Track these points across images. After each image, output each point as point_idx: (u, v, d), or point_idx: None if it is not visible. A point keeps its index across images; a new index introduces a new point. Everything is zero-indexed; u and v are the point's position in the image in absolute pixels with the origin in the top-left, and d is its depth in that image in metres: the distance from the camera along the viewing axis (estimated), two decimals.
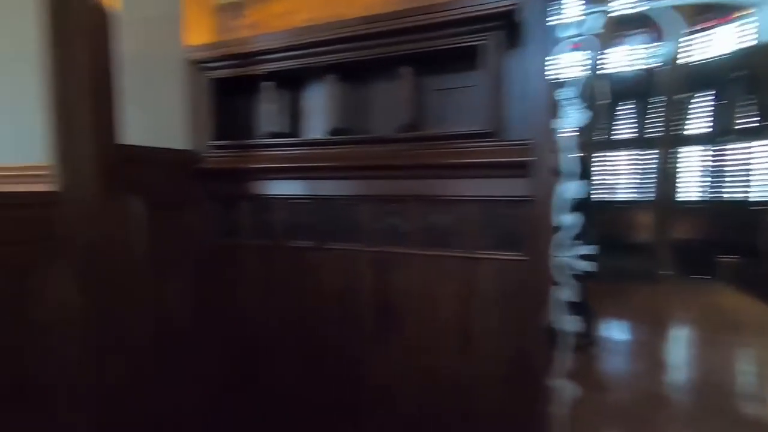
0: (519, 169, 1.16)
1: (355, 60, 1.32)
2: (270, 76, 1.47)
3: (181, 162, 1.52)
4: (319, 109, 1.48)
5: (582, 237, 1.14)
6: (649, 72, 6.30)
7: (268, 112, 1.49)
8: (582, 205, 1.14)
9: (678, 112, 6.25)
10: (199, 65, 1.55)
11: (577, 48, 1.20)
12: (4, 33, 1.94)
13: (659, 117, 6.37)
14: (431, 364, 1.30)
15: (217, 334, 1.59)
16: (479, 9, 1.14)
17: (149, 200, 1.36)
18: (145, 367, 1.38)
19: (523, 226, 1.18)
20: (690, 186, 6.34)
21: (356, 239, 1.37)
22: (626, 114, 6.82)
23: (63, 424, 1.19)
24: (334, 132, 1.40)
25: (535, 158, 1.13)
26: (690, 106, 6.28)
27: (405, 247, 1.31)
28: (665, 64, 6.09)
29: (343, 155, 1.38)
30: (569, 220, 1.13)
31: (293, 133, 1.51)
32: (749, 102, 5.64)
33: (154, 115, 1.63)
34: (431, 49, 1.22)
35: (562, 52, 1.14)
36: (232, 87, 1.55)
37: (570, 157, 1.14)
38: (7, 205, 1.09)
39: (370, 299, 1.36)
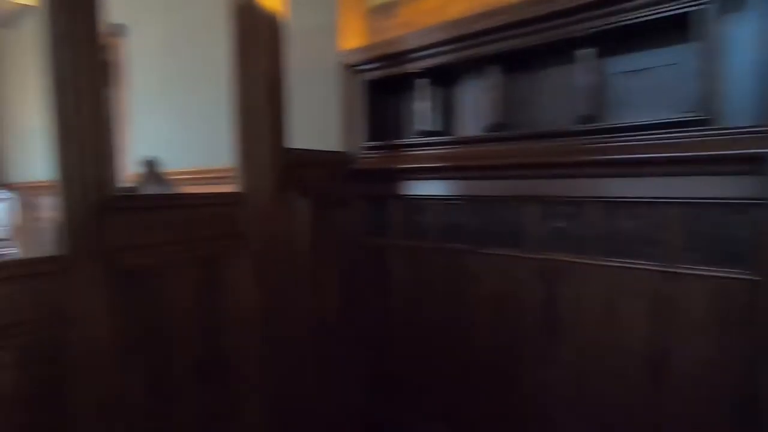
0: (744, 164, 0.92)
1: (523, 47, 1.20)
2: (424, 73, 1.43)
3: (337, 163, 1.58)
4: (474, 105, 1.40)
5: None
6: None
7: (421, 110, 1.45)
8: None
9: None
10: (353, 68, 1.59)
11: None
12: (197, 54, 2.27)
13: None
14: (608, 393, 1.12)
15: (363, 332, 1.62)
16: None
17: (311, 200, 1.44)
18: (306, 357, 1.46)
19: (749, 237, 0.93)
20: None
21: (518, 244, 1.25)
22: None
23: (242, 400, 1.31)
24: (494, 128, 1.30)
25: None
26: None
27: (577, 255, 1.15)
28: None
29: (504, 152, 1.27)
30: None
31: (446, 131, 1.45)
32: None
33: (311, 118, 1.73)
34: (624, 23, 1.04)
35: None
36: (384, 88, 1.56)
37: None
38: (203, 204, 1.24)
39: (533, 311, 1.23)
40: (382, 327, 1.59)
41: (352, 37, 1.62)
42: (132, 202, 1.06)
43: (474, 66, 1.35)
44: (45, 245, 3.89)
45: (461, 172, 1.36)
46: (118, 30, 3.12)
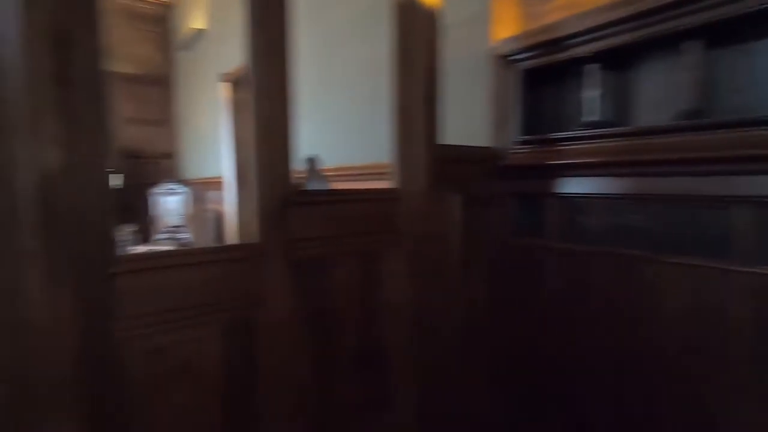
0: None
1: (736, 15, 0.99)
2: (592, 58, 1.28)
3: (487, 159, 1.52)
4: (656, 91, 1.21)
5: None
6: None
7: (589, 99, 1.31)
8: None
9: None
10: (506, 59, 1.50)
11: None
12: (351, 54, 2.41)
13: None
14: None
15: (510, 337, 1.53)
16: None
17: (461, 197, 1.41)
18: (451, 355, 1.44)
19: None
20: None
21: (721, 254, 1.04)
22: None
23: (392, 390, 1.35)
24: (688, 115, 1.10)
25: None
26: None
27: None
28: None
29: (701, 143, 1.07)
30: None
31: (619, 121, 1.28)
32: None
33: (456, 113, 1.69)
34: None
35: None
36: (541, 77, 1.45)
37: None
38: (363, 200, 1.29)
39: (741, 336, 1.02)
40: (530, 334, 1.48)
41: (506, 26, 1.54)
42: (309, 197, 1.15)
43: (661, 44, 1.16)
44: (210, 232, 4.59)
45: (639, 167, 1.18)
46: None
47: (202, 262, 1.00)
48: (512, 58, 1.48)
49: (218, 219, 4.41)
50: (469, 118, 1.67)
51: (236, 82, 4.35)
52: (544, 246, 1.42)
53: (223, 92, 4.26)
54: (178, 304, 0.97)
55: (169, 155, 5.55)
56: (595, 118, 1.29)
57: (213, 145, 4.63)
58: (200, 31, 4.81)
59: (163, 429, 0.96)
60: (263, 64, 1.05)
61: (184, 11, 5.36)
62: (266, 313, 1.09)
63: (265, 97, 1.06)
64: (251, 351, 1.08)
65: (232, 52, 4.19)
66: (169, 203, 4.96)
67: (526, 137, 1.46)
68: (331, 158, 2.25)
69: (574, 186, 1.34)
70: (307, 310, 1.16)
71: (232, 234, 4.25)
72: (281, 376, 1.12)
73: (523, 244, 1.49)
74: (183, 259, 0.99)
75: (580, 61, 1.31)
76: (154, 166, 5.40)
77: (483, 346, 1.54)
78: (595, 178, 1.29)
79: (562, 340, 1.39)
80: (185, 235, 5.03)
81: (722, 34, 1.06)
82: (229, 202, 4.20)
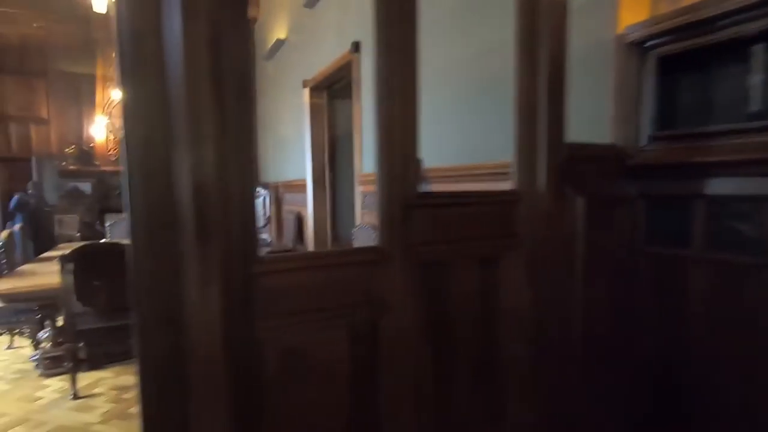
0: None
1: None
2: (754, 39, 1.11)
3: (612, 157, 1.38)
4: None
5: None
6: None
7: (752, 86, 1.14)
8: None
9: None
10: (637, 45, 1.35)
11: None
12: (453, 51, 2.35)
13: None
14: None
15: (639, 351, 1.38)
16: None
17: (585, 200, 1.29)
18: (572, 370, 1.32)
19: None
20: None
21: None
22: None
23: (511, 401, 1.26)
24: None
25: None
26: None
27: None
28: None
29: None
30: None
31: None
32: None
33: (573, 107, 1.57)
34: None
35: None
36: (678, 65, 1.29)
37: None
38: (482, 202, 1.22)
39: None
40: (664, 353, 1.32)
41: (636, 11, 1.39)
42: (431, 200, 1.11)
43: None
44: (291, 233, 4.76)
45: None
46: (355, 47, 3.55)
47: (333, 265, 0.99)
48: (645, 44, 1.33)
49: (298, 220, 4.57)
50: (583, 113, 1.54)
51: (314, 87, 4.48)
52: (688, 256, 1.25)
53: (304, 98, 4.41)
54: (311, 305, 0.96)
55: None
56: (759, 108, 1.11)
57: (293, 148, 4.81)
58: (281, 41, 5.03)
59: (292, 425, 0.96)
60: (389, 61, 1.02)
61: (267, 23, 5.65)
62: (389, 319, 1.05)
63: (390, 96, 1.03)
64: (375, 357, 1.05)
65: (310, 59, 4.32)
66: None
67: (663, 132, 1.31)
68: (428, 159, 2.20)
69: (729, 187, 1.16)
70: (428, 317, 1.11)
71: (311, 235, 4.37)
72: (401, 385, 1.08)
73: (657, 252, 1.33)
74: (316, 261, 0.98)
75: (735, 44, 1.14)
76: None
77: (606, 360, 1.40)
78: (759, 178, 1.11)
79: (706, 367, 1.21)
80: (265, 236, 5.27)
81: None
82: (309, 203, 4.33)
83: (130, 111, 0.78)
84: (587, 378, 1.35)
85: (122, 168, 0.82)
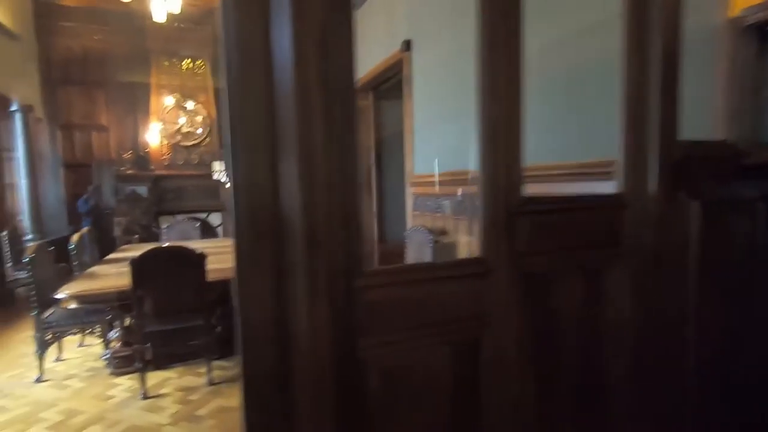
0: None
1: None
2: None
3: (728, 156, 1.24)
4: None
5: None
6: None
7: None
8: None
9: None
10: (757, 30, 1.21)
11: None
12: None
13: None
14: None
15: (759, 383, 1.23)
16: None
17: (699, 203, 1.16)
18: (685, 395, 1.19)
19: None
20: None
21: None
22: None
23: (615, 424, 1.15)
24: None
25: None
26: None
27: None
28: None
29: None
30: None
31: None
32: None
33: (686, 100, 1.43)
34: None
35: None
36: None
37: None
38: (585, 207, 1.12)
39: None
40: None
41: None
42: (536, 206, 1.02)
43: None
44: None
45: None
46: (406, 45, 3.48)
47: (436, 278, 0.93)
48: (767, 28, 1.19)
49: None
50: (684, 105, 1.40)
51: (360, 89, 4.44)
52: None
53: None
54: (412, 321, 0.90)
55: None
56: None
57: None
58: None
59: None
60: (492, 62, 0.94)
61: None
62: (492, 335, 0.98)
63: (495, 97, 0.95)
64: (476, 375, 0.98)
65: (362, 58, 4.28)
66: None
67: None
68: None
69: None
70: (530, 334, 1.03)
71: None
72: (504, 406, 1.00)
73: None
74: (419, 274, 0.92)
75: None
76: None
77: (721, 388, 1.26)
78: None
79: None
80: None
81: None
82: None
83: (237, 119, 0.75)
84: (699, 408, 1.21)
85: (227, 179, 0.78)
